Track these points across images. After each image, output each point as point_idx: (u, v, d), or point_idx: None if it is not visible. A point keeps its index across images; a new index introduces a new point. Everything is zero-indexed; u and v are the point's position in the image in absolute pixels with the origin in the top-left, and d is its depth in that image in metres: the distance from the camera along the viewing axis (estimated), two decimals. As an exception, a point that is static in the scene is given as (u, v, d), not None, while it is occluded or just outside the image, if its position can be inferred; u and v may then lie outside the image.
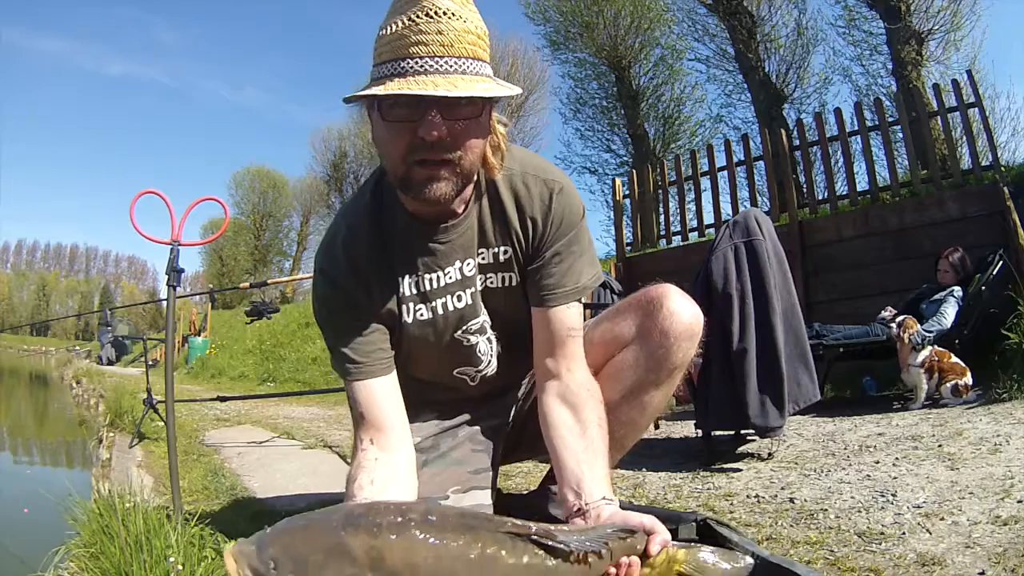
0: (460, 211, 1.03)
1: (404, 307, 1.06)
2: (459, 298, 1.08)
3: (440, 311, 1.08)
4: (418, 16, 0.84)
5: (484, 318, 1.11)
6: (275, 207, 25.15)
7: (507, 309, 1.12)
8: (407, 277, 1.05)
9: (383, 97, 0.85)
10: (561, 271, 1.06)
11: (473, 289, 1.08)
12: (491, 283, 1.09)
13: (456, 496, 1.02)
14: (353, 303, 1.04)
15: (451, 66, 0.84)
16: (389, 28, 0.86)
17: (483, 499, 1.09)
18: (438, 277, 1.06)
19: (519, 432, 1.27)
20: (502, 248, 1.07)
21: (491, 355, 1.14)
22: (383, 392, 1.03)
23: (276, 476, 2.65)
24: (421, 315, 1.07)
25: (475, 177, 1.00)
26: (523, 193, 1.05)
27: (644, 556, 0.83)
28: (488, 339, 1.13)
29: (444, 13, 0.84)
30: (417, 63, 0.83)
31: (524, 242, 1.07)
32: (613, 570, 0.79)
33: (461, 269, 1.06)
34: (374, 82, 0.87)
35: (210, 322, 13.83)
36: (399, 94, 0.82)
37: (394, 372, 1.06)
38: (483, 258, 1.07)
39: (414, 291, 1.06)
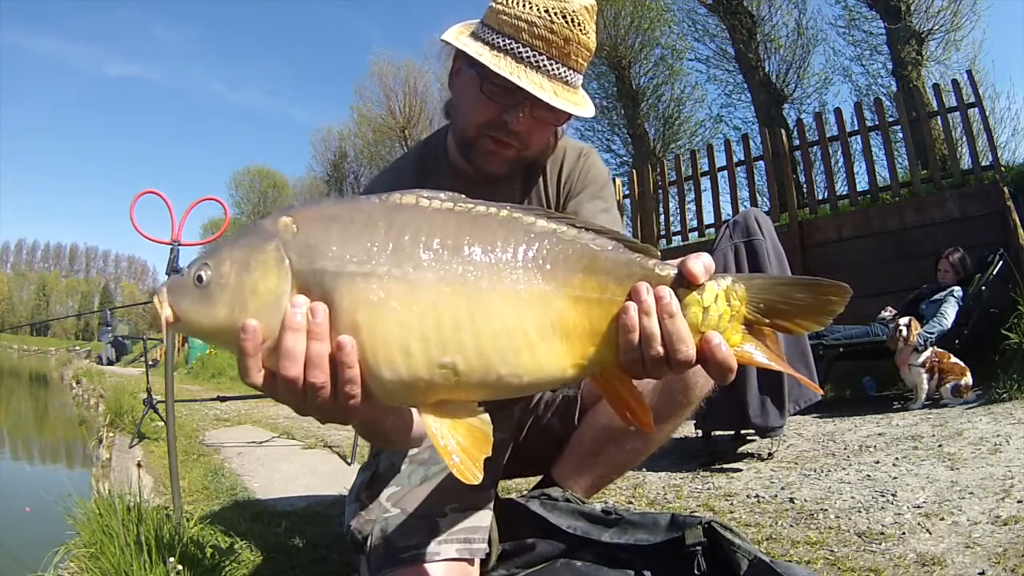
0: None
1: None
2: None
3: None
4: (556, 14, 0.89)
5: None
6: (275, 207, 25.13)
7: None
8: None
9: (489, 72, 0.89)
10: (587, 214, 1.06)
11: None
12: None
13: (453, 515, 0.94)
14: None
15: (560, 74, 0.91)
16: (526, 5, 0.89)
17: (481, 521, 0.99)
18: None
19: (523, 449, 1.19)
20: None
21: None
22: None
23: (276, 476, 2.65)
24: None
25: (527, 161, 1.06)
26: (560, 156, 1.12)
27: (681, 287, 0.57)
28: None
29: (577, 24, 0.90)
30: (534, 57, 0.89)
31: (557, 197, 1.11)
32: (631, 304, 0.55)
33: None
34: (484, 43, 0.91)
35: (210, 322, 13.79)
36: (507, 77, 0.87)
37: None
38: None
39: None
